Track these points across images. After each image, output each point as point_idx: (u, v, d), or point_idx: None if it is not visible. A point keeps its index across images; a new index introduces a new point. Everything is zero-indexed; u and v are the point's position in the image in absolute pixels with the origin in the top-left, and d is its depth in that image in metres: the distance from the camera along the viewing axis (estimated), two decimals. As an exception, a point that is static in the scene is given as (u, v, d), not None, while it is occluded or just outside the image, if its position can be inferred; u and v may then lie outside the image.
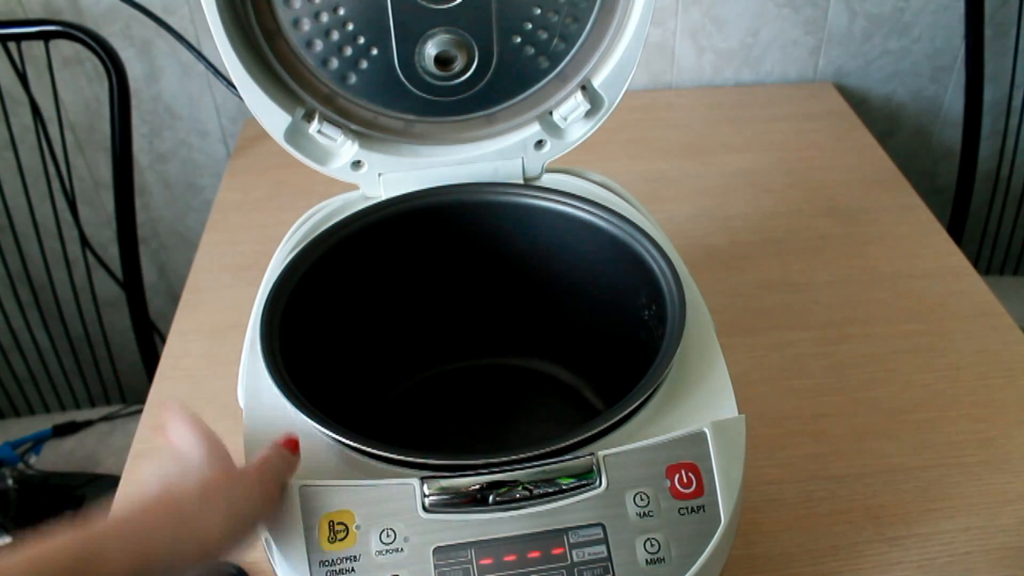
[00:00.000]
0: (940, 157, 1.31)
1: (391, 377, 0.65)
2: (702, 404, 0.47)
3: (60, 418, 1.09)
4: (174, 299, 1.23)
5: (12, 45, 0.98)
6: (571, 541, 0.42)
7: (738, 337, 0.79)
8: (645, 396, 0.45)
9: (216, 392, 0.72)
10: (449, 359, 0.66)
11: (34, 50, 1.01)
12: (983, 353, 0.77)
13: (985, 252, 1.27)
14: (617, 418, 0.44)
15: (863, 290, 0.84)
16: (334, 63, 0.55)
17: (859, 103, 1.22)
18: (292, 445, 0.46)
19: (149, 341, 1.12)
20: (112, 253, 1.10)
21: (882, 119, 1.25)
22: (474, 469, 0.43)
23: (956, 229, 1.22)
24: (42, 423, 1.08)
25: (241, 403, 0.49)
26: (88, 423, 1.07)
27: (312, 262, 0.54)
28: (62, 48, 1.04)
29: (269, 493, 0.43)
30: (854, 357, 0.77)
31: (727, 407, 0.47)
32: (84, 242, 1.09)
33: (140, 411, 0.78)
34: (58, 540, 0.36)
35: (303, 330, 0.52)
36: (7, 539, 0.90)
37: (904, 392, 0.73)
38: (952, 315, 0.81)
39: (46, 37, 0.96)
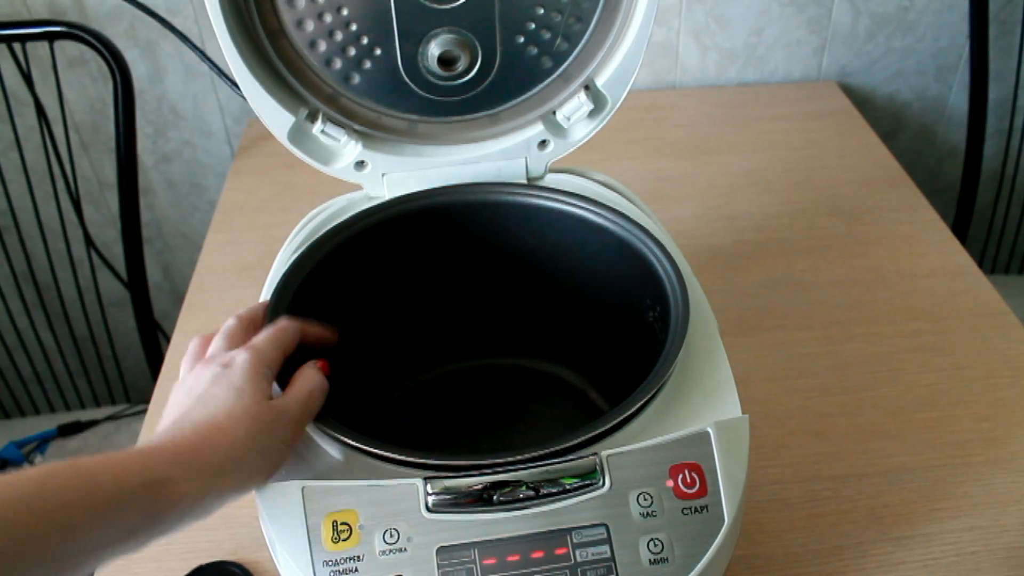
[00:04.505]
0: (944, 156, 1.30)
1: (395, 377, 0.65)
2: (705, 404, 0.47)
3: (65, 418, 1.09)
4: (178, 299, 1.24)
5: (17, 46, 0.98)
6: (575, 541, 0.42)
7: (742, 337, 0.79)
8: (649, 396, 0.45)
9: (220, 392, 0.72)
10: (452, 359, 0.66)
11: (39, 51, 1.01)
12: (988, 352, 0.76)
13: (990, 251, 1.27)
14: (621, 418, 0.44)
15: (867, 290, 0.84)
16: (337, 63, 0.55)
17: (863, 102, 1.22)
18: (327, 368, 0.47)
19: (153, 341, 1.12)
20: (116, 253, 1.10)
21: (886, 118, 1.25)
22: (478, 469, 0.43)
23: (960, 228, 1.22)
24: (47, 423, 1.08)
25: (245, 403, 0.49)
26: (93, 423, 1.08)
27: (316, 262, 0.54)
28: (67, 49, 1.04)
29: (303, 426, 0.44)
30: (858, 356, 0.76)
31: (731, 407, 0.47)
32: (89, 242, 1.09)
33: (144, 411, 0.78)
34: (115, 459, 0.36)
35: (307, 330, 0.52)
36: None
37: (908, 391, 0.73)
38: (957, 314, 0.81)
39: (51, 38, 0.96)
